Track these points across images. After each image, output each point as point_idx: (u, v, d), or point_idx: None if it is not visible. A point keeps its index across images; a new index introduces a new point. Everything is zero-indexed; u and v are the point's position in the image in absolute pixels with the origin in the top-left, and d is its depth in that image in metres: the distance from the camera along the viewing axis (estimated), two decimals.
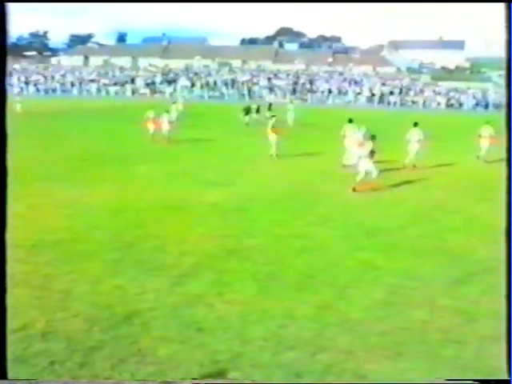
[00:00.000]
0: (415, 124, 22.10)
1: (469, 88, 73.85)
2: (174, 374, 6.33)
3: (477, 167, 22.48)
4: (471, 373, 6.61)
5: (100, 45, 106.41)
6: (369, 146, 17.16)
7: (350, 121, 22.99)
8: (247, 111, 39.45)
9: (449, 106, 67.87)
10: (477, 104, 67.00)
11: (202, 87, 77.56)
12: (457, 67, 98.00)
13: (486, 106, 65.62)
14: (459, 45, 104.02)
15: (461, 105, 68.10)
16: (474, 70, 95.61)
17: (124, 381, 6.28)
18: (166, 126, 28.43)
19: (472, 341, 7.49)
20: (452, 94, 72.20)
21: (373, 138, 17.39)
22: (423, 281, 9.63)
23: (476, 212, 14.87)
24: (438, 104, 68.56)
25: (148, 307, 8.14)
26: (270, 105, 44.39)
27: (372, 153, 16.93)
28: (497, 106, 65.80)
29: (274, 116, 25.28)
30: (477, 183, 18.88)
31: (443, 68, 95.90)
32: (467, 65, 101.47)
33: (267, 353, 6.87)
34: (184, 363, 6.59)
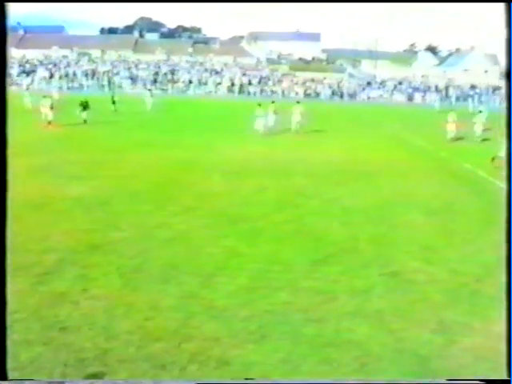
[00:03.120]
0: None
1: (325, 78, 76.93)
2: (37, 377, 6.13)
3: (335, 153, 23.52)
4: (330, 349, 6.98)
5: None
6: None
7: (259, 105, 30.33)
8: (84, 106, 33.42)
9: (306, 95, 70.19)
10: (333, 93, 69.85)
11: (60, 78, 74.64)
12: (313, 58, 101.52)
13: (341, 96, 68.59)
14: (315, 37, 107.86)
15: (317, 94, 70.69)
16: (330, 61, 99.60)
17: (132, 380, 6.13)
18: (48, 112, 30.64)
19: (331, 318, 7.90)
20: (309, 83, 74.80)
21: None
22: (285, 264, 9.98)
23: (334, 196, 15.58)
24: (296, 93, 70.71)
25: (9, 311, 7.79)
26: (113, 97, 40.77)
27: None
28: (351, 96, 69.13)
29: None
30: (335, 169, 19.79)
31: (301, 59, 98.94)
32: (323, 56, 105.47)
33: (133, 346, 6.82)
34: (47, 365, 6.40)
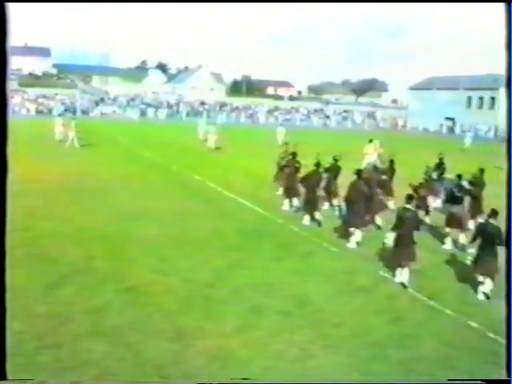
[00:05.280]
0: None
1: (56, 94, 74.72)
2: None
3: (69, 171, 22.94)
4: (68, 373, 6.89)
5: None
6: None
7: None
8: None
9: (38, 112, 67.39)
10: (65, 110, 67.90)
11: None
12: (44, 73, 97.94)
13: (74, 112, 67.03)
14: (45, 52, 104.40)
15: (50, 111, 68.15)
16: (61, 77, 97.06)
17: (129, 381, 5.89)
18: None
19: (68, 341, 7.80)
20: (41, 100, 72.00)
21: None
22: (17, 291, 9.48)
23: (68, 216, 15.19)
24: (28, 110, 67.50)
25: None
26: None
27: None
28: (84, 112, 68.17)
29: None
30: (68, 187, 19.29)
31: (31, 74, 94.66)
32: (54, 71, 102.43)
33: None
34: None
